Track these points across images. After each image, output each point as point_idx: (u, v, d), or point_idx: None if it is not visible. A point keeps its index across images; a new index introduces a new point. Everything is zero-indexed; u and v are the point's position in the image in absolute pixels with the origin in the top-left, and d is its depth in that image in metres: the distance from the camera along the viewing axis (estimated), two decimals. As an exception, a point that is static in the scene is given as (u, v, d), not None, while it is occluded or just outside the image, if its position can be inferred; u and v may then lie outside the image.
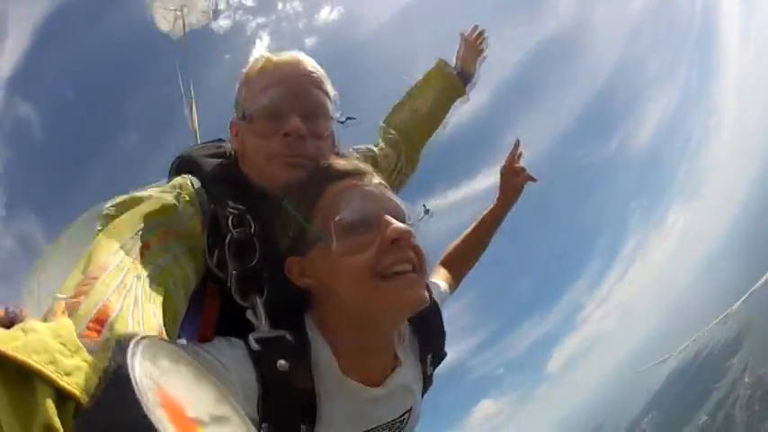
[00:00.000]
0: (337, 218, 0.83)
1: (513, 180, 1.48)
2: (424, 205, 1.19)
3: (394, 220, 0.83)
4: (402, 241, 0.81)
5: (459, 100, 1.58)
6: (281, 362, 0.77)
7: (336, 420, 0.85)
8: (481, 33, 1.60)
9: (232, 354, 0.77)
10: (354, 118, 1.12)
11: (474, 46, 1.59)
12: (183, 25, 6.33)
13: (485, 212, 1.50)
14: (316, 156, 0.96)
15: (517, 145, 1.53)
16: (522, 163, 1.51)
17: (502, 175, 1.50)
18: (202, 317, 0.91)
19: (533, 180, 1.51)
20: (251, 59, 1.08)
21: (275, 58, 1.05)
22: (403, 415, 0.95)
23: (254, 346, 0.77)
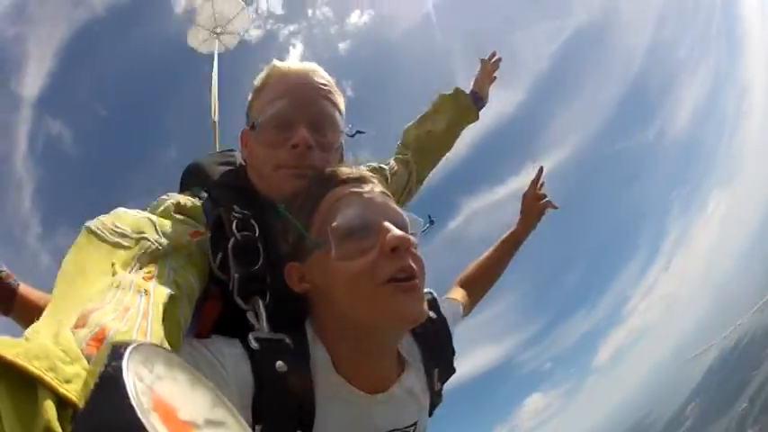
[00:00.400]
0: (335, 223, 0.82)
1: (535, 206, 1.55)
2: (429, 216, 1.14)
3: (394, 228, 0.81)
4: (402, 249, 0.80)
5: (470, 124, 1.66)
6: (280, 363, 0.77)
7: (334, 427, 0.83)
8: (498, 60, 1.69)
9: (230, 351, 0.77)
10: (364, 132, 1.13)
11: (491, 71, 1.69)
12: (216, 48, 6.66)
13: (504, 235, 1.53)
14: (323, 167, 0.96)
15: (540, 172, 1.59)
16: (544, 190, 1.57)
17: (524, 200, 1.56)
18: (201, 317, 0.90)
19: (554, 207, 1.56)
20: (262, 69, 1.09)
21: (285, 68, 1.06)
22: (408, 427, 0.93)
23: (254, 344, 0.78)
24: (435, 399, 1.03)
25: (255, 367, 0.76)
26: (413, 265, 0.81)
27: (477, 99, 1.66)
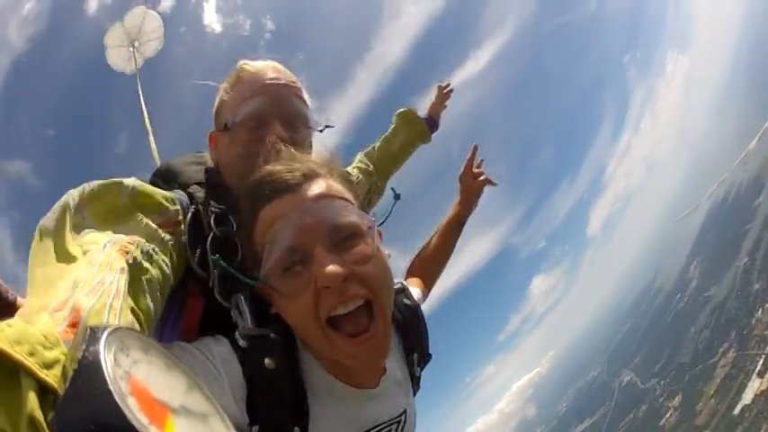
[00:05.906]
0: (270, 264, 0.78)
1: (473, 185, 1.58)
2: (392, 189, 1.10)
3: (326, 258, 0.76)
4: (333, 288, 0.75)
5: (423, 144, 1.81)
6: (268, 360, 0.78)
7: (329, 421, 0.84)
8: (450, 89, 1.84)
9: (219, 350, 0.78)
10: (333, 126, 1.16)
11: (444, 98, 1.84)
12: (135, 61, 6.83)
13: (447, 217, 1.57)
14: None
15: (474, 151, 1.60)
16: (481, 168, 1.60)
17: (461, 180, 1.58)
18: (185, 317, 0.91)
19: (493, 184, 1.60)
20: (231, 73, 1.13)
21: (255, 68, 1.10)
22: (399, 416, 0.95)
23: (242, 343, 0.79)
24: (415, 385, 1.05)
25: (245, 367, 0.77)
26: (359, 289, 0.78)
27: (431, 123, 1.80)
